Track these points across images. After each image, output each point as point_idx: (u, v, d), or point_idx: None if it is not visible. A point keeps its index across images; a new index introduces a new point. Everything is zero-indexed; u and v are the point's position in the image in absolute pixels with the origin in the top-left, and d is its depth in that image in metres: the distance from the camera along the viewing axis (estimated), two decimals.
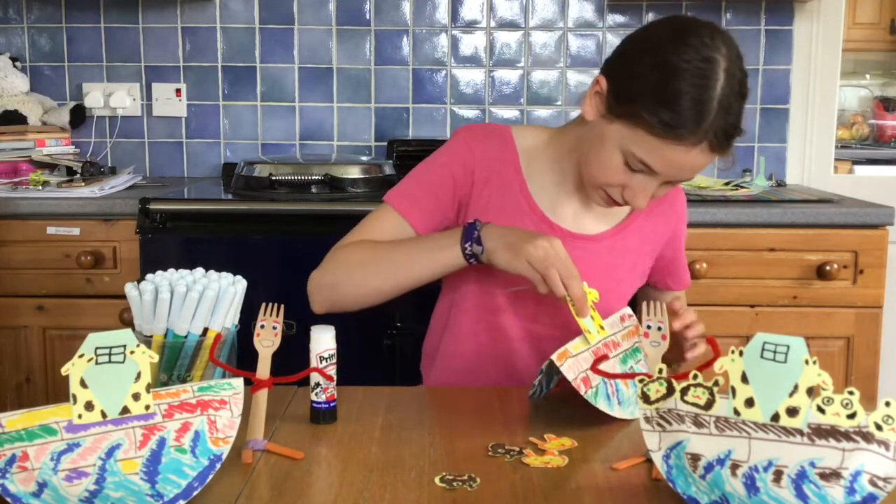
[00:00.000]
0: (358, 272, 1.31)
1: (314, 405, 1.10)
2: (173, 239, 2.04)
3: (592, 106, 1.25)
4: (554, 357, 1.09)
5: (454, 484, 0.92)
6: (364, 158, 2.45)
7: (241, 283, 1.11)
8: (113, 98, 2.64)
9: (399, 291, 1.32)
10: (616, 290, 1.36)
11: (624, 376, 1.12)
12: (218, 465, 0.90)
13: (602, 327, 1.16)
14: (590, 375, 1.11)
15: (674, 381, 0.88)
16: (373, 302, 1.33)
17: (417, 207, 1.35)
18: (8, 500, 0.82)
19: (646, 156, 1.19)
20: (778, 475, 0.80)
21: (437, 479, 0.93)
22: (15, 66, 2.57)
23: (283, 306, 1.09)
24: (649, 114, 1.17)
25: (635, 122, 1.18)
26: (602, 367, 1.10)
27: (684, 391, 0.87)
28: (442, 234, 1.31)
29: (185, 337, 1.08)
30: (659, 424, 0.88)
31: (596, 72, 2.64)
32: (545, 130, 1.43)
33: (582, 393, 1.09)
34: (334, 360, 1.09)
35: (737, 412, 0.84)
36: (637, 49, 1.24)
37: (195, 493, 0.88)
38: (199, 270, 1.12)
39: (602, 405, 1.10)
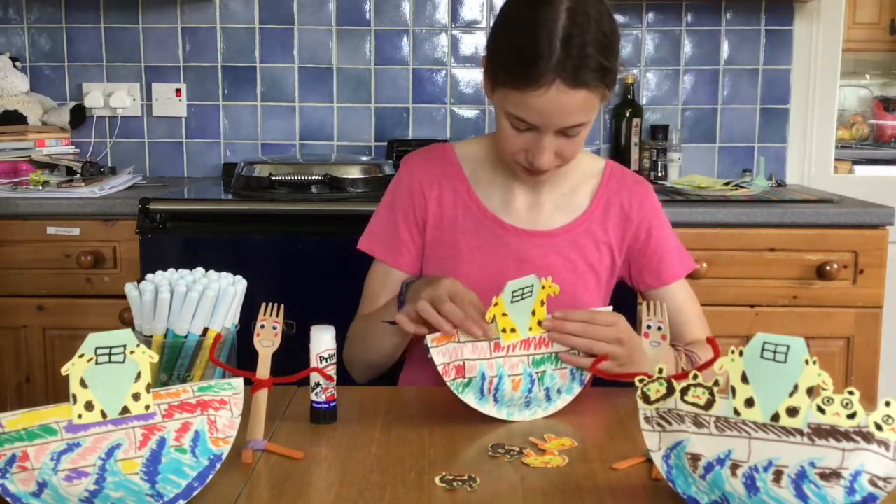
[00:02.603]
0: (357, 351, 1.40)
1: (314, 405, 1.10)
2: (173, 239, 2.04)
3: (486, 86, 1.31)
4: (429, 338, 1.12)
5: (454, 484, 0.92)
6: (364, 158, 2.45)
7: (241, 283, 1.11)
8: (113, 98, 2.64)
9: (391, 359, 1.37)
10: (581, 283, 1.37)
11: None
12: (218, 465, 0.90)
13: (539, 323, 1.15)
14: (466, 366, 1.12)
15: (674, 381, 0.88)
16: (384, 367, 1.39)
17: (393, 249, 1.40)
18: (8, 500, 0.82)
19: (517, 111, 1.23)
20: (778, 475, 0.80)
21: (437, 479, 0.93)
22: (15, 66, 2.57)
23: (283, 306, 1.10)
24: (502, 70, 1.23)
25: (500, 83, 1.24)
26: (498, 355, 1.13)
27: (684, 391, 0.87)
28: (387, 305, 1.34)
29: (185, 337, 1.08)
30: (659, 424, 0.88)
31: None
32: (485, 137, 1.47)
33: (447, 380, 1.11)
34: (334, 360, 1.09)
35: (737, 412, 0.84)
36: (494, 22, 1.30)
37: (195, 493, 0.88)
38: (199, 270, 1.12)
39: (470, 398, 1.11)
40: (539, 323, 1.15)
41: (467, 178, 1.40)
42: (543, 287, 1.15)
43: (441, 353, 1.12)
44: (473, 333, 1.12)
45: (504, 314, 1.14)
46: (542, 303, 1.15)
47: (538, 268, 1.29)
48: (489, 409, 1.12)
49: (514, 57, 1.21)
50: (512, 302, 1.13)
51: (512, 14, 1.26)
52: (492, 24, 1.26)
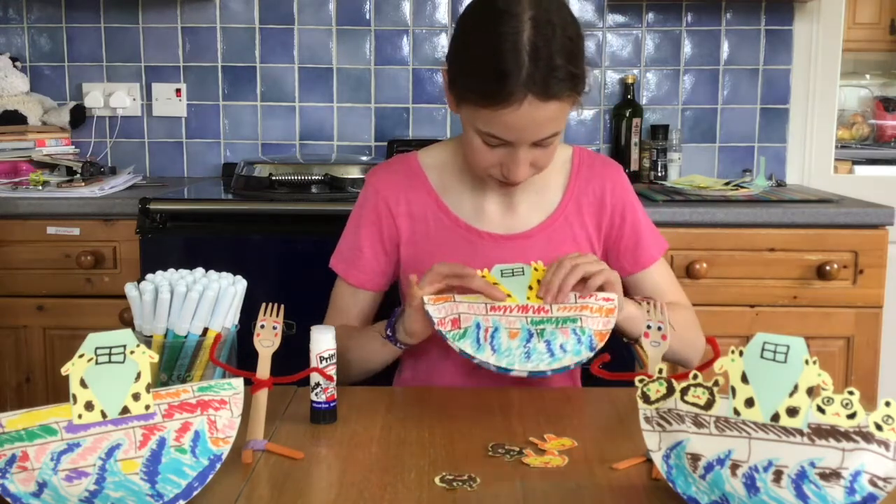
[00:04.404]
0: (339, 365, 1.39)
1: (314, 405, 1.10)
2: (173, 239, 2.04)
3: (449, 99, 1.29)
4: (427, 297, 1.15)
5: (454, 484, 0.92)
6: (364, 158, 2.45)
7: (241, 283, 1.11)
8: (113, 98, 2.64)
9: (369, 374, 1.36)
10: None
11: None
12: (218, 465, 0.90)
13: (539, 297, 1.17)
14: (462, 318, 1.14)
15: (674, 381, 0.88)
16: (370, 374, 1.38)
17: (359, 270, 1.39)
18: (8, 500, 0.82)
19: (489, 128, 1.20)
20: (778, 475, 0.80)
21: (437, 479, 0.93)
22: (15, 66, 2.57)
23: (283, 306, 1.09)
24: (468, 90, 1.20)
25: (466, 101, 1.21)
26: (502, 314, 1.15)
27: (684, 391, 0.87)
28: (373, 336, 1.31)
29: (185, 337, 1.08)
30: (659, 424, 0.88)
31: (597, 72, 2.65)
32: (450, 142, 1.44)
33: (443, 331, 1.13)
34: (334, 360, 1.10)
35: (737, 412, 0.84)
36: (453, 34, 1.27)
37: (195, 493, 0.88)
38: (199, 270, 1.12)
39: (466, 346, 1.12)
40: (538, 297, 1.16)
41: (434, 189, 1.38)
42: (536, 269, 1.16)
43: (437, 309, 1.15)
44: (496, 296, 1.15)
45: (496, 283, 1.16)
46: (539, 282, 1.16)
47: None
48: (487, 357, 1.11)
49: (480, 75, 1.18)
50: (501, 276, 1.15)
51: (472, 28, 1.22)
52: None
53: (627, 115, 2.58)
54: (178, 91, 2.67)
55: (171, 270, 1.12)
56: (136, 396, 0.87)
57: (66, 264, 2.12)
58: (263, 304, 1.09)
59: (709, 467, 0.84)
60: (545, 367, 1.11)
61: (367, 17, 2.64)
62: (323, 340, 1.09)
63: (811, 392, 0.80)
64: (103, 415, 0.86)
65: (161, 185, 2.44)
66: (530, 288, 1.17)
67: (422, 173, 1.39)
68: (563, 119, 1.22)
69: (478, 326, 1.14)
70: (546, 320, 1.15)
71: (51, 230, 2.11)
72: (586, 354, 1.13)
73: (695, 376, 0.87)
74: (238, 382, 0.94)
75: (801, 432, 0.80)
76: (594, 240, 1.39)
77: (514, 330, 1.14)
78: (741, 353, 0.83)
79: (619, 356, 1.16)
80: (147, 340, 1.07)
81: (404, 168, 1.40)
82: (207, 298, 1.07)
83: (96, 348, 0.86)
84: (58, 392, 2.13)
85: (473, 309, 1.15)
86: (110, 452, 0.86)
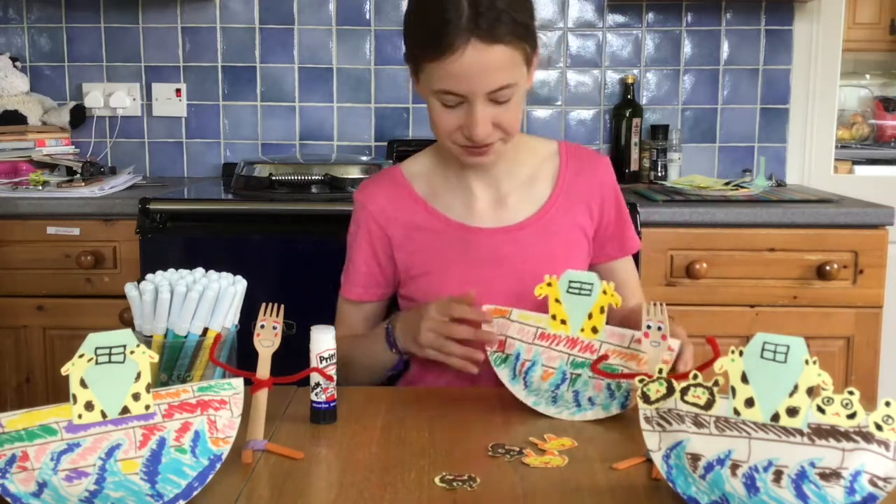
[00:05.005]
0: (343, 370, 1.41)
1: (314, 405, 1.10)
2: (173, 239, 2.04)
3: (413, 82, 1.33)
4: (487, 307, 1.17)
5: (454, 484, 0.92)
6: (364, 158, 2.45)
7: (241, 283, 1.11)
8: (113, 98, 2.64)
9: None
10: (559, 271, 1.32)
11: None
12: (218, 465, 0.90)
13: (594, 330, 1.14)
14: (507, 342, 1.16)
15: (674, 381, 0.88)
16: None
17: (354, 284, 1.42)
18: (8, 500, 0.82)
19: (440, 84, 1.23)
20: (778, 475, 0.80)
21: (437, 479, 0.93)
22: (15, 66, 2.57)
23: (283, 306, 1.09)
24: (417, 48, 1.24)
25: (419, 63, 1.25)
26: (541, 356, 1.15)
27: (684, 391, 0.87)
28: (375, 341, 1.34)
29: (185, 337, 1.08)
30: (659, 424, 0.88)
31: (597, 72, 2.65)
32: (430, 149, 1.46)
33: (489, 350, 1.16)
34: (334, 360, 1.09)
35: (737, 412, 0.84)
36: (406, 11, 1.31)
37: (195, 493, 0.88)
38: (199, 270, 1.12)
39: (504, 375, 1.16)
40: (593, 329, 1.14)
41: (420, 196, 1.40)
42: (605, 293, 1.14)
43: (494, 326, 1.18)
44: (488, 340, 1.16)
45: (557, 300, 1.15)
46: (602, 310, 1.14)
47: (515, 263, 1.33)
48: (518, 391, 1.14)
49: (425, 30, 1.22)
50: (567, 292, 1.14)
51: None
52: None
53: (627, 115, 2.58)
54: (178, 91, 2.67)
55: (171, 270, 1.12)
56: (136, 396, 0.87)
57: (66, 264, 2.12)
58: (263, 304, 1.09)
59: (709, 467, 0.84)
60: (567, 416, 1.12)
61: (367, 17, 2.64)
62: (323, 340, 1.08)
63: (811, 392, 0.80)
64: (103, 415, 0.86)
65: (161, 185, 2.44)
66: (590, 316, 1.14)
67: (406, 183, 1.41)
68: (515, 70, 1.24)
69: (517, 357, 1.16)
70: (588, 363, 1.14)
71: (51, 230, 2.11)
72: (616, 410, 1.12)
73: (695, 376, 0.87)
74: (238, 382, 0.94)
75: (801, 432, 0.80)
76: (587, 229, 1.41)
77: (549, 370, 1.15)
78: (741, 353, 0.83)
79: None
80: (147, 340, 1.07)
81: (388, 180, 1.43)
82: (207, 298, 1.07)
83: (96, 348, 0.86)
84: (58, 392, 2.12)
85: (522, 333, 1.17)
86: (110, 452, 0.86)
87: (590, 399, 1.13)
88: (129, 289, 1.08)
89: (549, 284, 1.16)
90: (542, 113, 2.68)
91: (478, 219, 1.38)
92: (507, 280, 1.33)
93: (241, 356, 1.14)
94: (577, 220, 1.39)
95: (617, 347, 1.14)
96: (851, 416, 0.79)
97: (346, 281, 1.44)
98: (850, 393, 0.79)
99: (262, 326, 1.08)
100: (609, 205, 1.42)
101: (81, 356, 0.86)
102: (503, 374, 1.16)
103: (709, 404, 0.85)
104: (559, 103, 2.68)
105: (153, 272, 1.12)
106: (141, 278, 1.11)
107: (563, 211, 1.38)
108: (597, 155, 1.46)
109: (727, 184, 2.40)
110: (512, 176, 1.38)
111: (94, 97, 2.64)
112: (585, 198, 1.40)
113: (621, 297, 1.15)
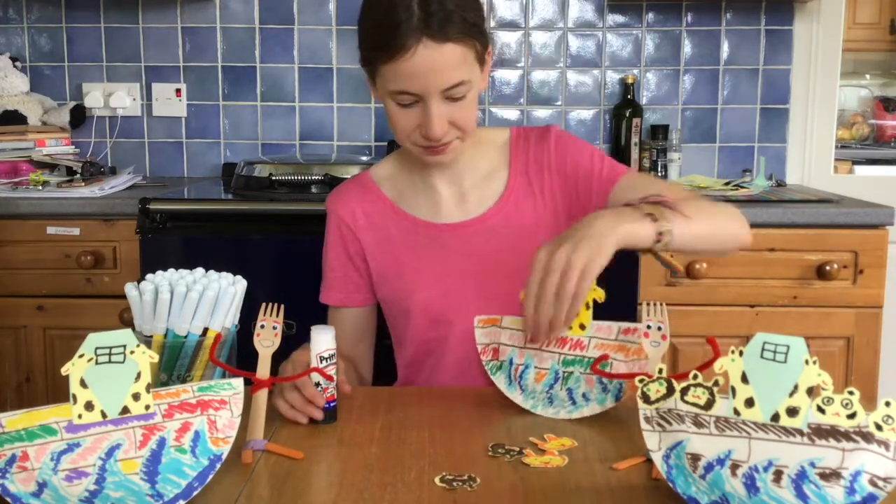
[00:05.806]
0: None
1: None
2: (173, 239, 2.04)
3: (370, 87, 1.32)
4: (477, 319, 1.19)
5: (454, 484, 0.92)
6: (364, 158, 2.45)
7: (241, 283, 1.11)
8: (113, 98, 2.64)
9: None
10: (531, 247, 1.21)
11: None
12: (218, 465, 0.90)
13: (582, 326, 1.15)
14: (500, 349, 1.17)
15: (674, 381, 0.88)
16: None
17: (331, 289, 1.43)
18: (8, 500, 0.82)
19: (395, 84, 1.24)
20: (778, 475, 0.80)
21: (437, 479, 0.93)
22: (15, 66, 2.57)
23: (283, 306, 1.10)
24: (370, 51, 1.25)
25: (374, 66, 1.26)
26: (534, 356, 1.16)
27: (684, 391, 0.87)
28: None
29: (185, 337, 1.08)
30: (659, 424, 0.88)
31: (597, 72, 2.65)
32: (397, 153, 1.47)
33: (484, 360, 1.18)
34: (334, 360, 1.09)
35: (737, 412, 0.84)
36: (358, 18, 1.31)
37: (195, 493, 0.88)
38: (199, 270, 1.12)
39: (500, 382, 1.17)
40: (581, 326, 1.15)
41: (388, 198, 1.41)
42: (594, 289, 1.14)
43: (484, 334, 1.20)
44: (313, 415, 1.09)
45: None
46: (588, 306, 1.14)
47: (485, 254, 1.35)
48: (515, 396, 1.15)
49: (377, 33, 1.23)
50: None
51: (368, 2, 1.28)
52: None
53: (627, 115, 2.58)
54: (178, 91, 2.67)
55: (171, 270, 1.12)
56: (136, 396, 0.87)
57: (66, 264, 2.12)
58: (263, 304, 1.09)
59: (709, 467, 0.84)
60: (565, 414, 1.12)
61: None
62: (323, 340, 1.08)
63: (811, 392, 0.80)
64: (103, 415, 0.86)
65: (161, 185, 2.44)
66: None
67: (374, 187, 1.43)
68: (467, 67, 1.24)
69: (510, 363, 1.17)
70: (578, 361, 1.15)
71: (51, 230, 2.11)
72: (610, 403, 1.12)
73: (695, 376, 0.87)
74: (238, 382, 0.94)
75: (801, 432, 0.80)
76: (558, 204, 1.38)
77: (542, 371, 1.16)
78: (741, 353, 0.83)
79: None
80: (147, 340, 1.07)
81: (357, 185, 1.44)
82: (207, 298, 1.07)
83: (96, 348, 0.86)
84: (58, 392, 2.13)
85: (513, 339, 1.18)
86: (110, 452, 0.86)
87: (584, 395, 1.13)
88: (129, 289, 1.08)
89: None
90: (542, 113, 2.68)
91: (444, 216, 1.39)
92: (480, 273, 1.34)
93: (241, 356, 1.14)
94: (541, 199, 1.38)
95: (605, 340, 1.15)
96: (851, 416, 0.79)
97: (323, 286, 1.45)
98: (850, 393, 0.79)
99: (262, 326, 1.08)
100: (568, 168, 1.37)
101: (81, 356, 0.86)
102: (499, 381, 1.17)
103: (709, 404, 0.85)
104: (559, 103, 2.68)
105: (153, 272, 1.12)
106: (141, 278, 1.11)
107: (523, 193, 1.38)
108: (544, 129, 1.42)
109: (727, 184, 2.40)
110: (473, 170, 1.39)
111: (94, 97, 2.64)
112: (542, 173, 1.38)
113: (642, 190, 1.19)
